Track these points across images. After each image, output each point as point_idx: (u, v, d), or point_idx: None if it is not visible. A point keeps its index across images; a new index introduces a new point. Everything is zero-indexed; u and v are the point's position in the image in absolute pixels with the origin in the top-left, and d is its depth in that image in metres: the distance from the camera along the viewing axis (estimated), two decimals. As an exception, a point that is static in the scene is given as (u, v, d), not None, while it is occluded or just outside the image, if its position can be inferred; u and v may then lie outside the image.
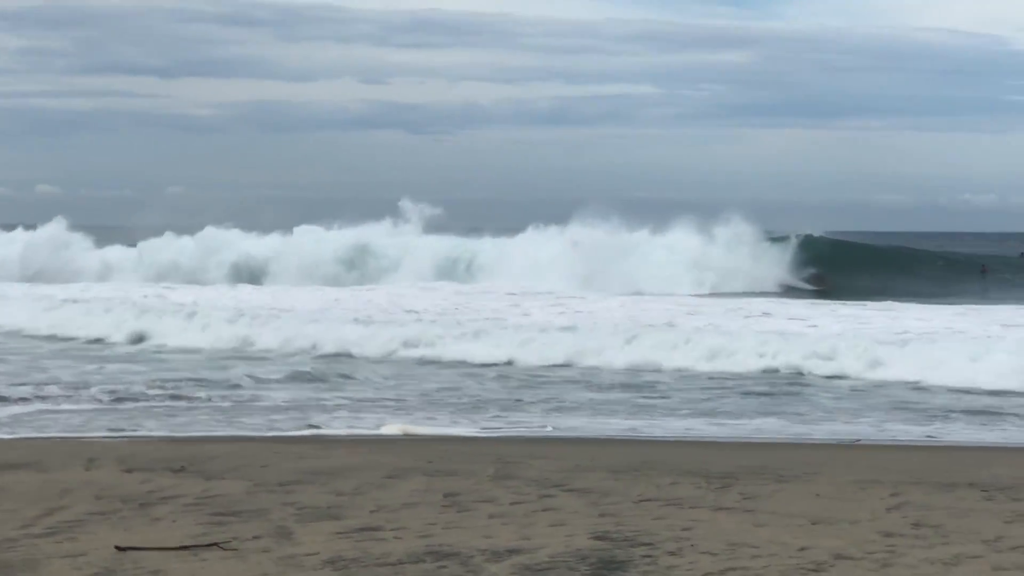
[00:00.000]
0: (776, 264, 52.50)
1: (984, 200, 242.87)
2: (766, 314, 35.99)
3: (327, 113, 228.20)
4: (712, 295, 45.95)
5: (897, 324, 32.56)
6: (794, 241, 54.97)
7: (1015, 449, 16.32)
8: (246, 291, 45.81)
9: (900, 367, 24.56)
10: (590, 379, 24.75)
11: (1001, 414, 20.04)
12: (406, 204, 57.43)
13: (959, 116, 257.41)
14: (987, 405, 21.08)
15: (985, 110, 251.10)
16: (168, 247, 58.42)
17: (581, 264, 49.67)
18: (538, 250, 52.73)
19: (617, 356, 26.70)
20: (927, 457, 15.24)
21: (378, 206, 60.89)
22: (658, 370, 25.77)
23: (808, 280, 51.96)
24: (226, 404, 20.56)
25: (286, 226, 58.47)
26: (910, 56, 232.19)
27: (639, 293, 44.47)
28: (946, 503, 11.23)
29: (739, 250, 52.74)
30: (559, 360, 27.05)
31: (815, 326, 32.20)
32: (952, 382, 23.22)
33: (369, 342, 28.96)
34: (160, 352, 29.60)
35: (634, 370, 25.82)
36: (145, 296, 40.90)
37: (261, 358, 28.10)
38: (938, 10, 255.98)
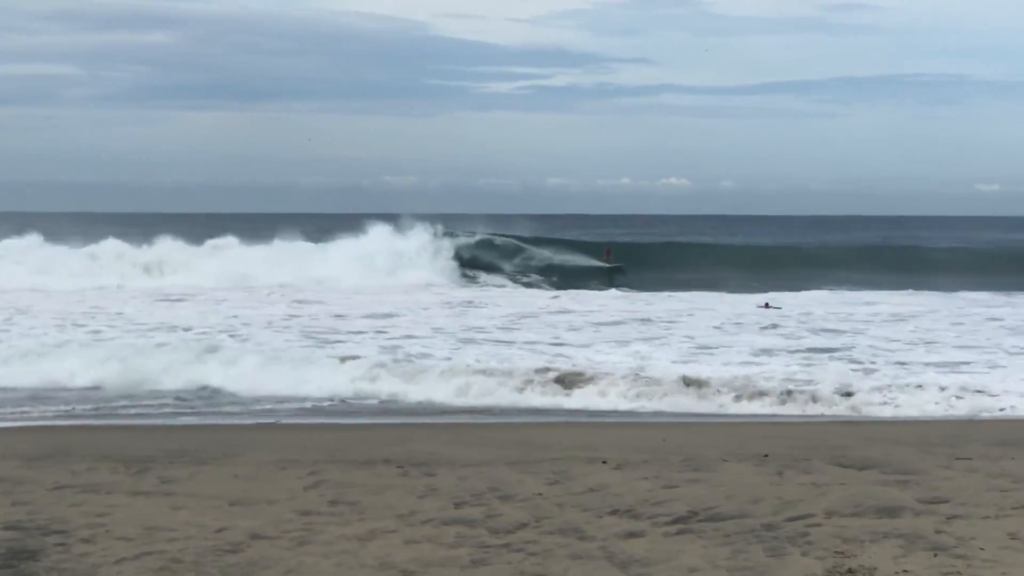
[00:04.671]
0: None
1: (404, 182, 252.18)
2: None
3: None
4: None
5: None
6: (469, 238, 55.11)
7: (431, 426, 16.90)
8: None
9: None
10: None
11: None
12: None
13: (382, 100, 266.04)
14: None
15: (407, 94, 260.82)
16: None
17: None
18: None
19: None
20: (345, 435, 15.54)
21: None
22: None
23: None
24: None
25: None
26: (334, 40, 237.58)
27: None
28: (363, 480, 11.49)
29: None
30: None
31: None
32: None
33: None
34: None
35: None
36: None
37: None
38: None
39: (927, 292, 44.37)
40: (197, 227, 58.96)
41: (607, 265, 55.61)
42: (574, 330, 29.31)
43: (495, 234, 56.81)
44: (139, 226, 70.31)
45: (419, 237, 52.79)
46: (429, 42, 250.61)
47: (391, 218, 54.09)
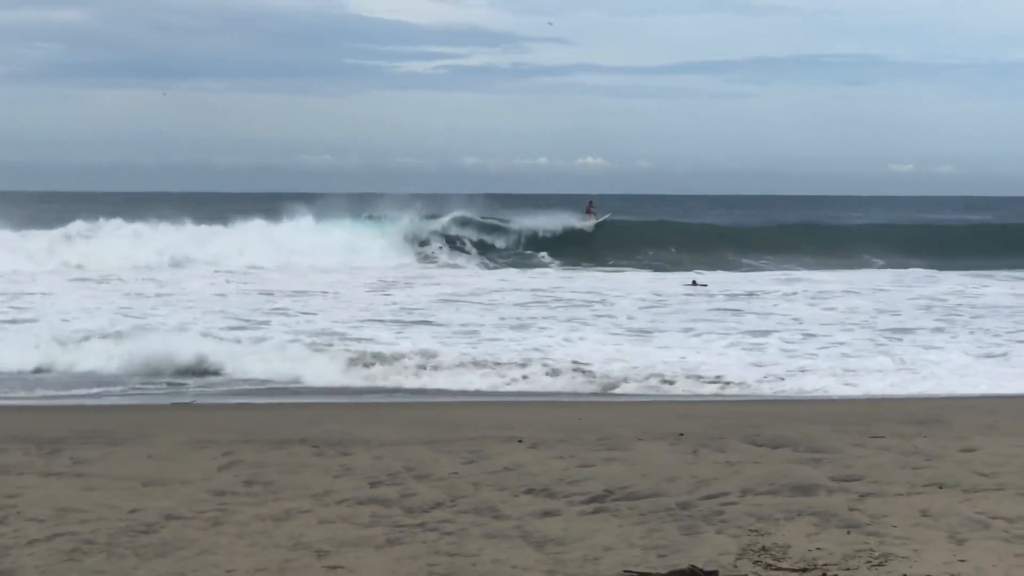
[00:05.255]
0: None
1: (320, 161, 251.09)
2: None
3: None
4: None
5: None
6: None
7: (346, 405, 16.85)
8: None
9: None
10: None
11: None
12: None
13: (297, 79, 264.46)
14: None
15: (322, 72, 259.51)
16: None
17: None
18: None
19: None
20: (260, 415, 15.45)
21: None
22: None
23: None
24: None
25: None
26: (248, 18, 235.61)
27: None
28: (278, 460, 11.41)
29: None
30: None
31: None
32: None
33: None
34: None
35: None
36: None
37: None
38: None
39: (847, 271, 45.00)
40: (114, 207, 57.97)
41: (594, 221, 55.37)
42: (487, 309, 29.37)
43: (489, 217, 55.79)
44: (51, 204, 69.38)
45: (384, 217, 52.23)
46: (345, 21, 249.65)
47: (308, 197, 53.65)
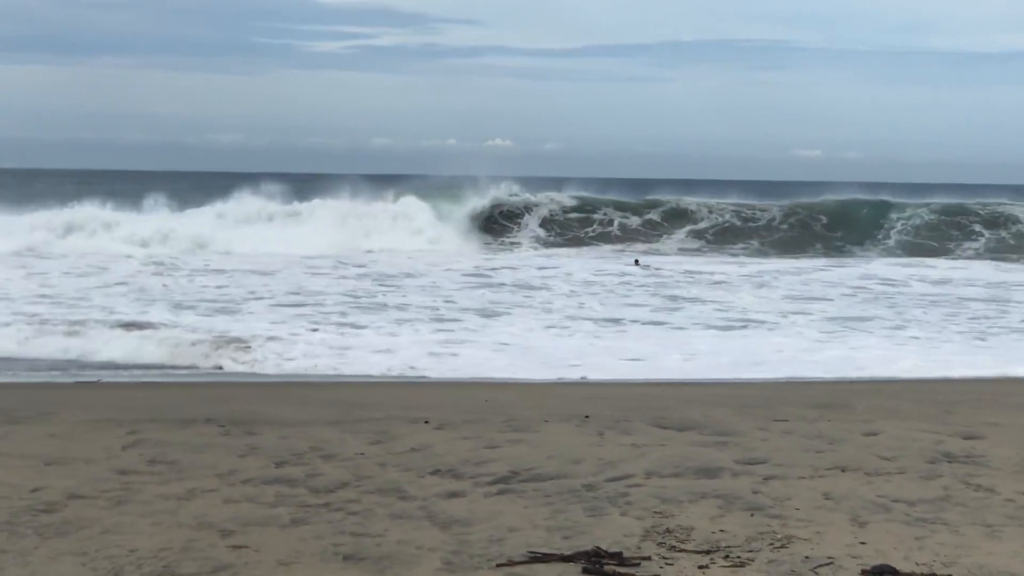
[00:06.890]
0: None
1: (229, 140, 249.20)
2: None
3: None
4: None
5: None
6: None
7: (252, 385, 16.72)
8: None
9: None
10: None
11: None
12: None
13: (205, 56, 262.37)
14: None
15: (232, 51, 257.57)
16: None
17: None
18: None
19: None
20: (166, 394, 15.32)
21: None
22: None
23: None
24: None
25: None
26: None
27: None
28: (183, 439, 11.33)
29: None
30: None
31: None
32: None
33: None
34: None
35: None
36: None
37: None
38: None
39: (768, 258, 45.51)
40: (28, 183, 57.01)
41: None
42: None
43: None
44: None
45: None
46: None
47: (223, 176, 52.69)
